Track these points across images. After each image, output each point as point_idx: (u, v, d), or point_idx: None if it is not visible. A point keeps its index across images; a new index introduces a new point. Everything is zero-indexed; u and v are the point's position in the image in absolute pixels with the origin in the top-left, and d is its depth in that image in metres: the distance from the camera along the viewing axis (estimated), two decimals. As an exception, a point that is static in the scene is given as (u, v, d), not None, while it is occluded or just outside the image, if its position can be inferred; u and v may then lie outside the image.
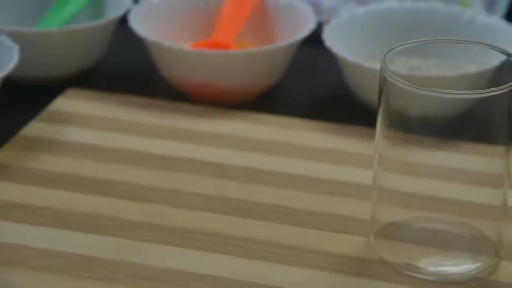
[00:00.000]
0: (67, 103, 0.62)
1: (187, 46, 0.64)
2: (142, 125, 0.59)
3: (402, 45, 0.48)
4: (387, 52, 0.47)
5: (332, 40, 0.61)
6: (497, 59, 0.48)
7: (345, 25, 0.63)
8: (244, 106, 0.62)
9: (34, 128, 0.59)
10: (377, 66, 0.47)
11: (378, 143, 0.48)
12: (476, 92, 0.46)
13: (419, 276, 0.47)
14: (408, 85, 0.45)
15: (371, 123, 0.48)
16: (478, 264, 0.48)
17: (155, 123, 0.59)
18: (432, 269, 0.47)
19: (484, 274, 0.47)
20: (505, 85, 0.45)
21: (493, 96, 0.45)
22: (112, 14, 0.64)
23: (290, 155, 0.56)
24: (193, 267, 0.48)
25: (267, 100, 0.63)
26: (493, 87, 0.45)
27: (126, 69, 0.67)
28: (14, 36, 0.60)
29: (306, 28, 0.62)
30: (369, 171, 0.49)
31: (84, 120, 0.60)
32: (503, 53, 0.47)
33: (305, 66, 0.66)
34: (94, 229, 0.50)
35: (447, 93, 0.45)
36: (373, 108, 0.48)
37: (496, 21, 0.63)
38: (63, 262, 0.48)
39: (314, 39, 0.62)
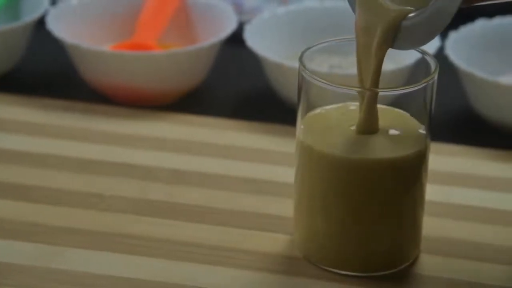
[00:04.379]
0: (-15, 107, 0.60)
1: (107, 47, 0.63)
2: (63, 129, 0.58)
3: (321, 43, 0.48)
4: (305, 51, 0.47)
5: (253, 39, 0.61)
6: (413, 57, 0.49)
7: (266, 24, 0.64)
8: (167, 107, 0.61)
9: (-49, 134, 0.57)
10: (297, 65, 0.47)
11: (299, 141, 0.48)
12: (393, 89, 0.47)
13: (344, 272, 0.48)
14: (325, 83, 0.46)
15: (294, 121, 0.49)
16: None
17: (76, 126, 0.59)
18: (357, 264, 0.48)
19: (404, 267, 0.48)
20: (421, 82, 0.46)
21: (410, 92, 0.46)
22: (29, 16, 0.63)
23: (214, 155, 0.56)
24: (118, 271, 0.47)
25: (190, 101, 0.63)
26: (410, 84, 0.46)
27: (45, 72, 0.66)
28: None
29: (227, 28, 0.62)
30: (292, 169, 0.49)
31: (2, 125, 0.59)
32: (419, 52, 0.48)
33: (228, 66, 0.66)
34: (14, 235, 0.49)
35: (365, 90, 0.45)
36: (295, 106, 0.48)
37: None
38: (-18, 271, 0.47)
39: (236, 39, 0.62)
